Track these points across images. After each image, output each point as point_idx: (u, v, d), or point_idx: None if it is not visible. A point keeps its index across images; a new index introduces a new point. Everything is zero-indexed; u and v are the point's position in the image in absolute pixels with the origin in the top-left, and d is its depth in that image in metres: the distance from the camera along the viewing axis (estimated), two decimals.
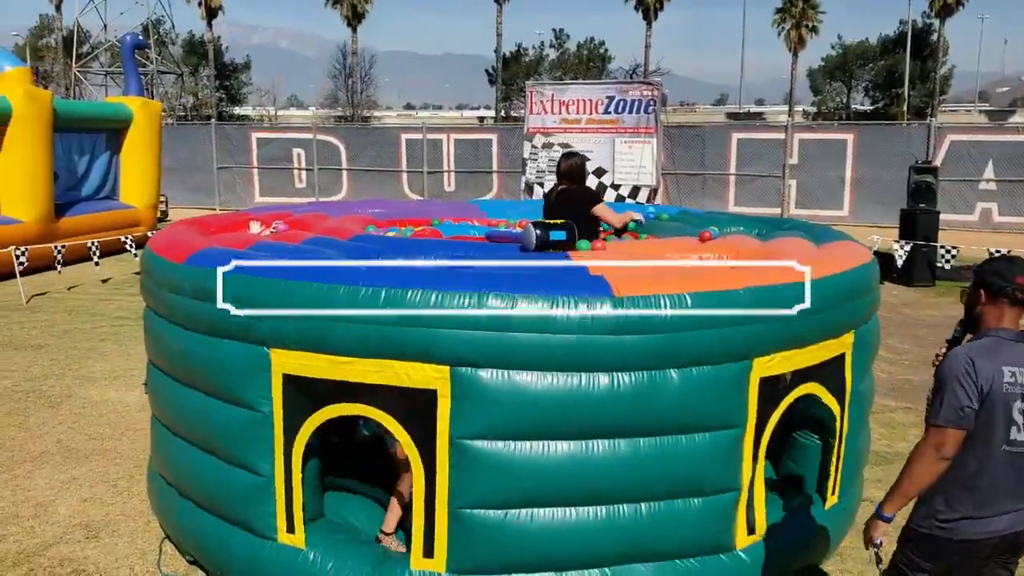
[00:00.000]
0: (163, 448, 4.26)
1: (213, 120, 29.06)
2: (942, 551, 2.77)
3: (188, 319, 3.81)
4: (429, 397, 3.32)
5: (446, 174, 21.87)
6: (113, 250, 13.22)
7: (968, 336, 2.88)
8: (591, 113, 16.25)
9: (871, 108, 54.44)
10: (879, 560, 2.94)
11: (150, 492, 4.70)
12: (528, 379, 3.28)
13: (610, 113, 16.10)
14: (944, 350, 2.99)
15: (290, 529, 3.63)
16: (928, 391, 2.82)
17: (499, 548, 3.39)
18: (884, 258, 12.44)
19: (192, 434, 3.94)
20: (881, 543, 2.80)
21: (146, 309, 4.31)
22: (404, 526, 3.81)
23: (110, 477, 5.52)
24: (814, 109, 59.38)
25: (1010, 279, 2.72)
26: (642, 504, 3.46)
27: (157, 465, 4.50)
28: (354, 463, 4.35)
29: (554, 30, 58.94)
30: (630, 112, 16.00)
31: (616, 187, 15.95)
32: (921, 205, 12.94)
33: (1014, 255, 2.81)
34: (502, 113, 53.31)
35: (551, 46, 58.56)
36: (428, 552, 3.45)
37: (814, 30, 52.90)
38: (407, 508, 3.77)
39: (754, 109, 73.34)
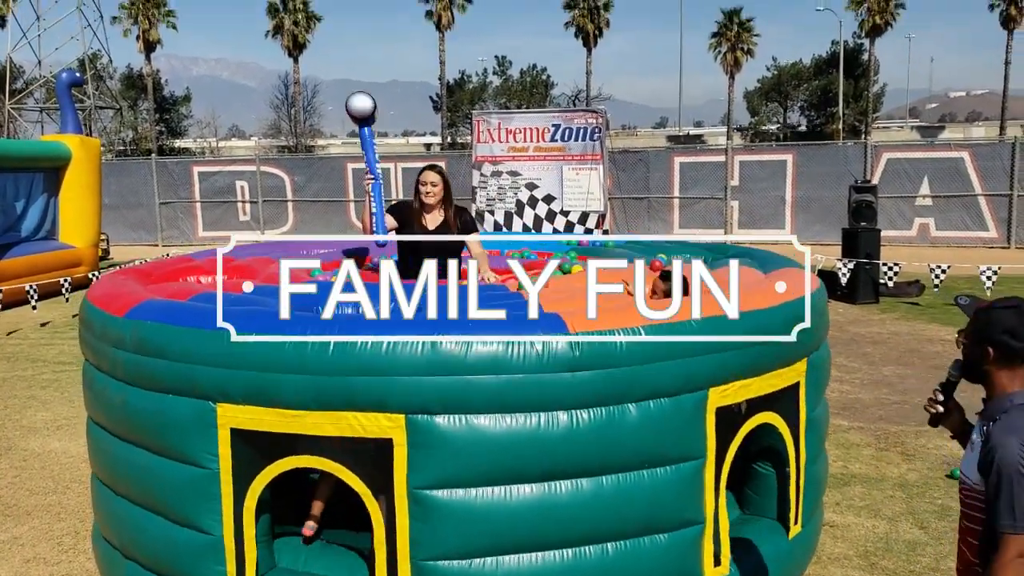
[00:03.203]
0: (105, 508, 4.08)
1: (153, 155, 28.57)
2: None
3: (130, 374, 3.67)
4: (385, 447, 3.23)
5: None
6: (54, 292, 12.89)
7: (980, 405, 2.61)
8: (538, 141, 16.37)
9: (807, 128, 55.70)
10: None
11: (95, 553, 4.51)
12: (486, 423, 3.21)
13: (556, 141, 16.23)
14: (940, 398, 2.75)
15: None
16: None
17: None
18: (828, 277, 12.69)
19: (136, 493, 3.77)
20: None
21: (85, 363, 4.15)
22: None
23: (54, 534, 5.29)
24: (752, 130, 60.57)
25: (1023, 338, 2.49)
26: (608, 544, 3.40)
27: (100, 525, 4.32)
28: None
29: (496, 57, 59.50)
30: (576, 139, 16.16)
31: (565, 213, 16.03)
32: (862, 224, 13.17)
33: (1019, 301, 2.55)
34: (448, 140, 53.42)
35: (494, 73, 59.03)
36: None
37: (749, 53, 54.17)
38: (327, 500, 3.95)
39: (693, 131, 74.62)
